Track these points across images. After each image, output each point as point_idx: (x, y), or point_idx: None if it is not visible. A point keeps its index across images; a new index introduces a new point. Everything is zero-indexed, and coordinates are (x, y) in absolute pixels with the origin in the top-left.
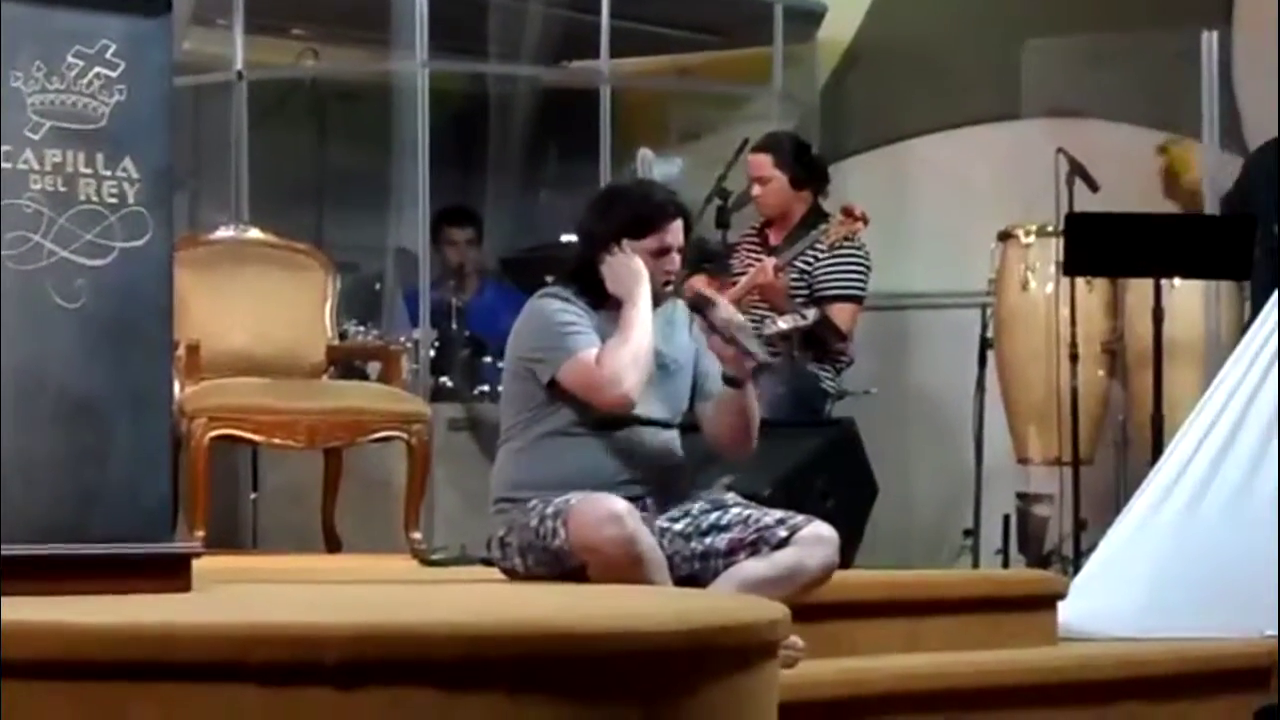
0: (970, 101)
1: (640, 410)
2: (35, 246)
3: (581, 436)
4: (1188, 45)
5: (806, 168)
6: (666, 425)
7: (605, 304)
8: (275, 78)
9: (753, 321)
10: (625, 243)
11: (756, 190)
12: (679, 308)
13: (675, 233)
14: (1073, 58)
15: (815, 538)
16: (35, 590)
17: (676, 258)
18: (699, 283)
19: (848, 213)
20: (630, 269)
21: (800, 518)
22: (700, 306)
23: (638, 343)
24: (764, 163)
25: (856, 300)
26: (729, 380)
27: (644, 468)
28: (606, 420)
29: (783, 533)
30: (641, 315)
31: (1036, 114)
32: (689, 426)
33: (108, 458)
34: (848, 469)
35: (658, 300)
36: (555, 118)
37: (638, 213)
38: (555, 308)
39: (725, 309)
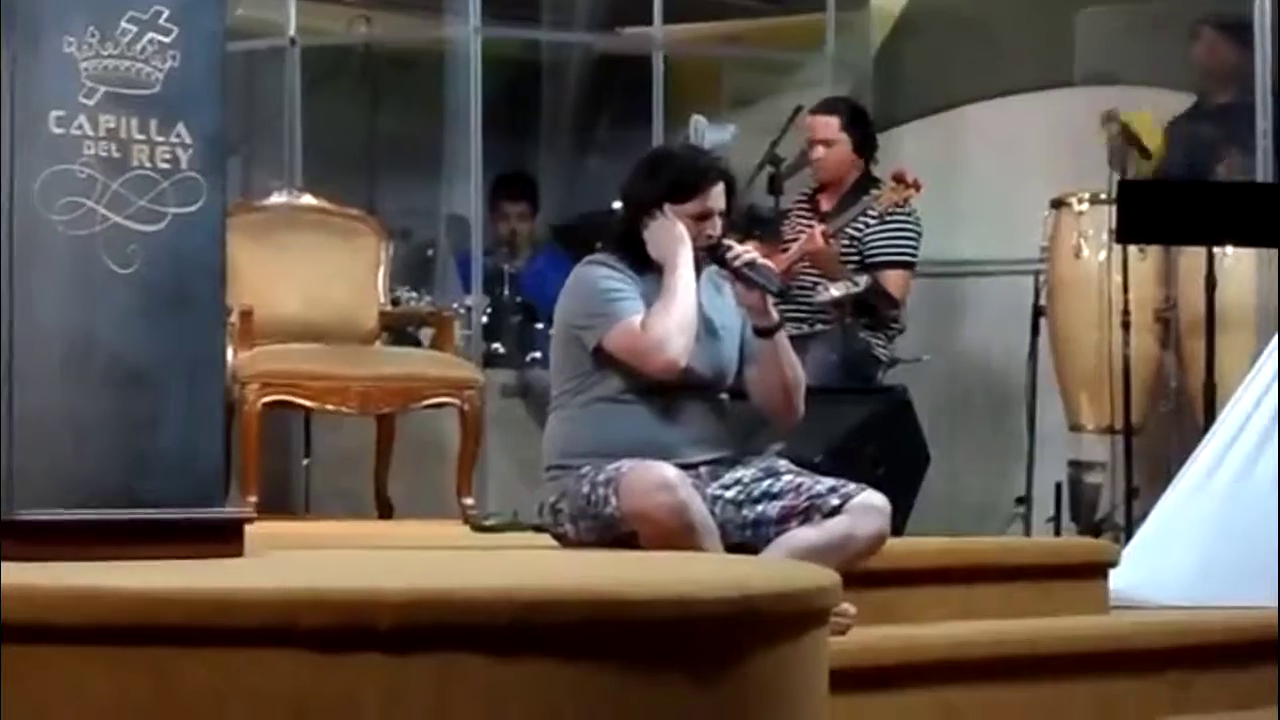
0: (1023, 69)
1: (689, 373)
2: (89, 212)
3: (630, 403)
4: (1241, 11)
5: (865, 134)
6: (715, 390)
7: (650, 269)
8: (328, 44)
9: (802, 289)
10: (667, 207)
11: (820, 152)
12: None
13: (717, 197)
14: (1125, 25)
15: (867, 506)
16: (88, 555)
17: (719, 222)
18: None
19: (899, 179)
20: (672, 234)
21: (852, 486)
22: (714, 253)
23: (682, 307)
24: (830, 125)
25: (908, 266)
26: (759, 331)
27: (694, 434)
28: (655, 386)
29: (835, 501)
30: (684, 280)
31: (1089, 82)
32: (739, 393)
33: (160, 423)
34: (899, 436)
35: (700, 264)
36: (608, 84)
37: (680, 177)
38: (600, 274)
39: (737, 247)
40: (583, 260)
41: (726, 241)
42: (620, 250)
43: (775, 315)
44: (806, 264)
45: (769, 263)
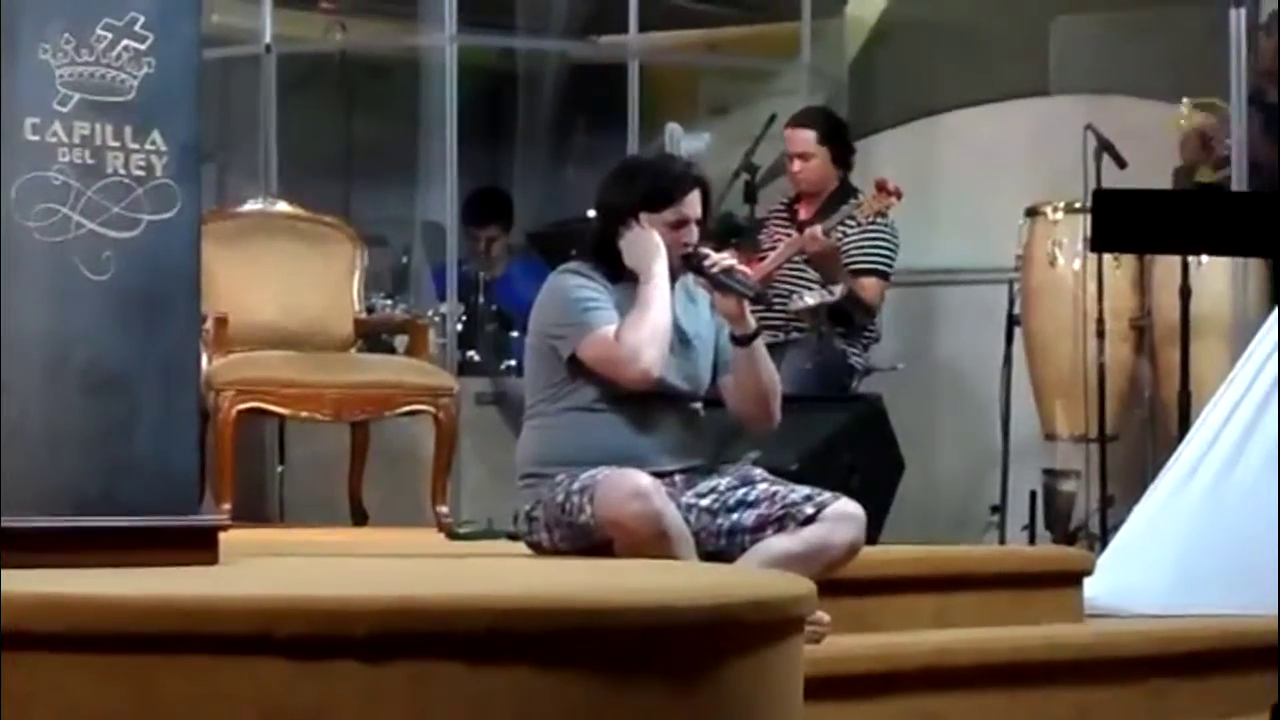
0: (999, 77)
1: (662, 385)
2: (63, 219)
3: (605, 412)
4: (1216, 21)
5: (842, 144)
6: (689, 399)
7: (624, 278)
8: (304, 51)
9: (779, 297)
10: (643, 216)
11: (797, 166)
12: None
13: (693, 204)
14: (1101, 34)
15: (842, 514)
16: (62, 562)
17: (695, 229)
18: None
19: (881, 187)
20: (648, 243)
21: (827, 494)
22: (691, 261)
23: (656, 318)
24: (807, 138)
25: (883, 275)
26: (736, 340)
27: (668, 443)
28: (629, 395)
29: (809, 509)
30: (659, 290)
31: (1065, 90)
32: (714, 401)
33: (135, 430)
34: (874, 445)
35: (676, 274)
36: (583, 92)
37: (655, 185)
38: (574, 284)
39: (713, 255)
40: (557, 269)
41: (703, 249)
42: (595, 259)
43: (753, 322)
44: (793, 267)
45: (745, 269)
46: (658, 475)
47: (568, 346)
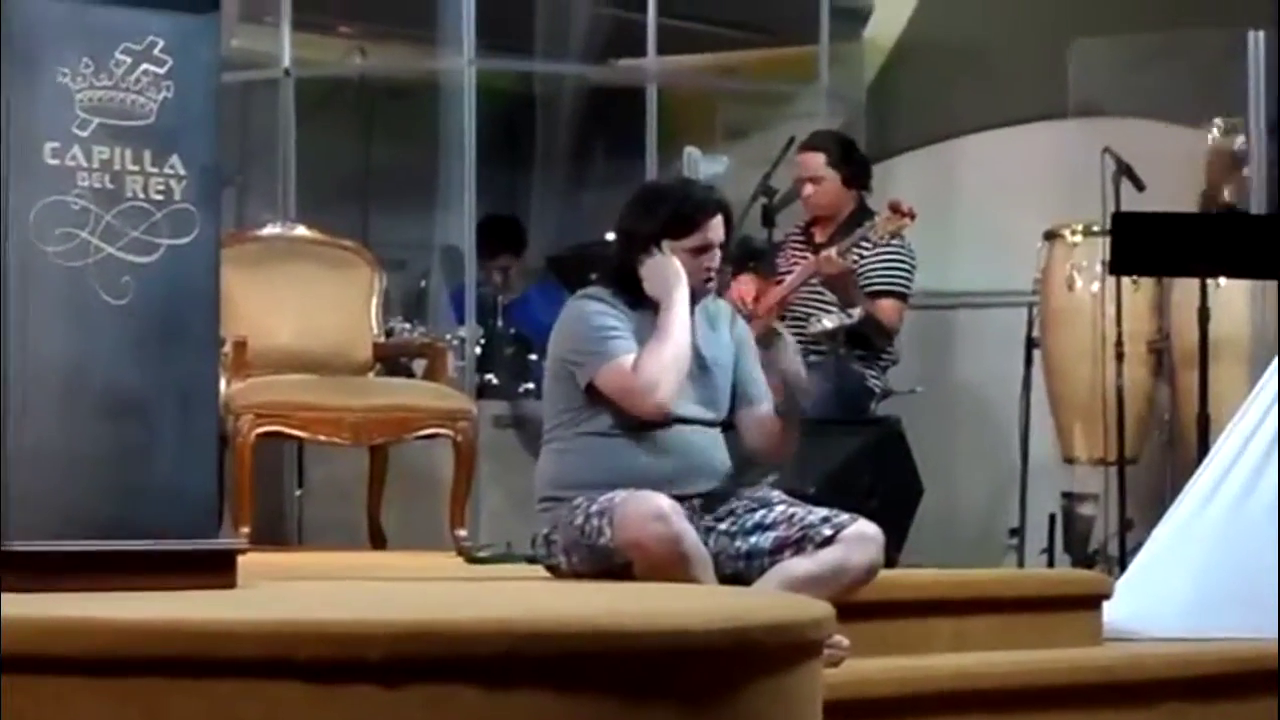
0: (1017, 100)
1: (681, 409)
2: (82, 243)
3: (622, 437)
4: (1234, 45)
5: (855, 166)
6: (708, 424)
7: (644, 304)
8: (322, 75)
9: (796, 319)
10: (665, 243)
11: (808, 190)
12: (720, 305)
13: (716, 229)
14: (1119, 57)
15: (860, 536)
16: (81, 586)
17: (718, 254)
18: (745, 283)
19: (895, 208)
20: (668, 271)
21: (845, 516)
22: (768, 343)
23: (675, 347)
24: (817, 162)
25: (901, 297)
26: (779, 411)
27: (686, 467)
28: (647, 422)
29: (827, 531)
30: (679, 319)
31: (1083, 113)
32: (729, 424)
33: (154, 454)
34: (893, 467)
35: (698, 298)
36: (601, 116)
37: (678, 211)
38: (593, 310)
39: (792, 357)
40: (577, 294)
41: (784, 335)
42: (615, 284)
43: (798, 412)
44: (811, 290)
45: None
46: (676, 499)
47: (585, 374)
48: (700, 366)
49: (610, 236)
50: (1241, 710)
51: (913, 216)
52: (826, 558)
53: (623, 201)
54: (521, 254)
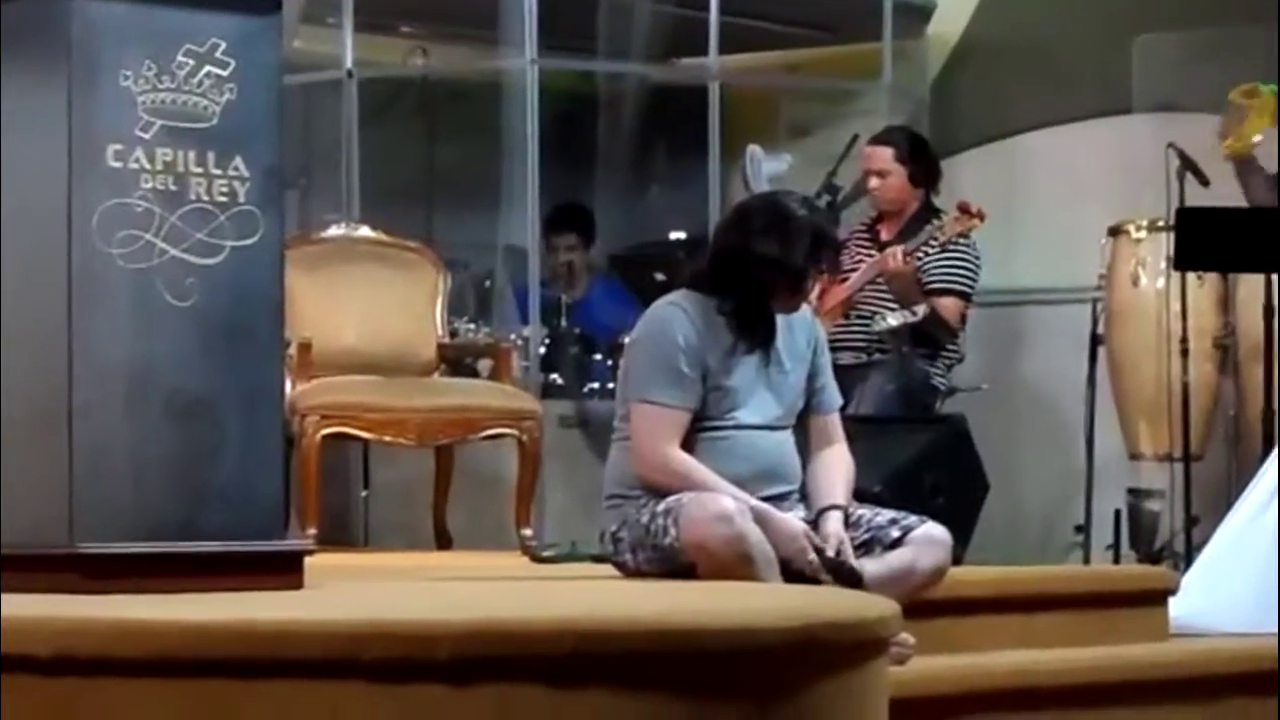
0: (1081, 97)
1: (751, 412)
2: (146, 245)
3: (691, 438)
4: None
5: (924, 164)
6: (776, 428)
7: (730, 309)
8: (385, 76)
9: (861, 318)
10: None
11: (875, 183)
12: (802, 313)
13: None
14: (1183, 53)
15: (929, 539)
16: (146, 588)
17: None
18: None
19: (964, 209)
20: (796, 547)
21: (913, 518)
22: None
23: (707, 489)
24: (884, 156)
25: (963, 295)
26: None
27: (756, 470)
28: (715, 424)
29: (896, 533)
30: (772, 519)
31: (1147, 109)
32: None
33: (220, 456)
34: (958, 465)
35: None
36: (664, 114)
37: (817, 249)
38: (676, 332)
39: (836, 545)
40: (664, 299)
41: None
42: (709, 290)
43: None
44: (875, 288)
45: (851, 558)
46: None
47: (633, 393)
48: (777, 371)
49: (674, 236)
50: None
51: (982, 218)
52: (895, 560)
53: (686, 201)
54: (590, 244)
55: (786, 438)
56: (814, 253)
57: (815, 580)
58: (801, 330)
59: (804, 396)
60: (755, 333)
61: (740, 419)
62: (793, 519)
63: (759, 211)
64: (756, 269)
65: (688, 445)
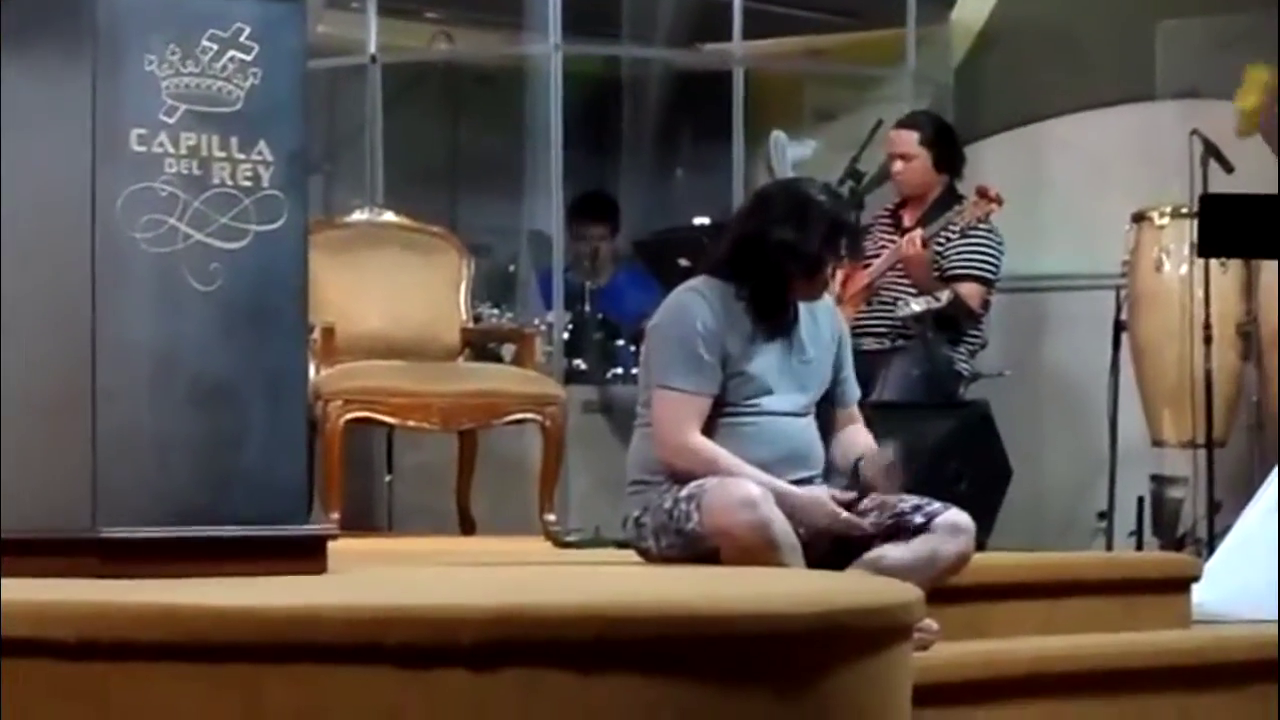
0: (1104, 83)
1: (774, 398)
2: (170, 230)
3: (714, 423)
4: None
5: (948, 149)
6: (799, 415)
7: (749, 296)
8: (409, 61)
9: (884, 304)
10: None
11: (898, 167)
12: (826, 303)
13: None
14: (1206, 39)
15: (953, 526)
16: (171, 573)
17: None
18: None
19: (983, 194)
20: (823, 512)
21: (937, 505)
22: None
23: (731, 474)
24: (908, 139)
25: (984, 281)
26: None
27: (780, 455)
28: (738, 410)
29: (919, 519)
30: (789, 496)
31: (1170, 95)
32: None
33: (243, 441)
34: (981, 451)
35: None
36: (688, 100)
37: (834, 237)
38: (696, 318)
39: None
40: (684, 285)
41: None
42: (728, 276)
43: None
44: (898, 274)
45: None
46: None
47: (653, 379)
48: (801, 359)
49: (698, 221)
50: None
51: (1000, 202)
52: (918, 546)
53: (711, 186)
54: (616, 233)
55: (810, 424)
56: (831, 240)
57: (860, 540)
58: (825, 320)
59: (827, 386)
60: (775, 319)
61: (764, 405)
62: (811, 488)
63: (778, 197)
64: (774, 255)
65: (711, 431)
